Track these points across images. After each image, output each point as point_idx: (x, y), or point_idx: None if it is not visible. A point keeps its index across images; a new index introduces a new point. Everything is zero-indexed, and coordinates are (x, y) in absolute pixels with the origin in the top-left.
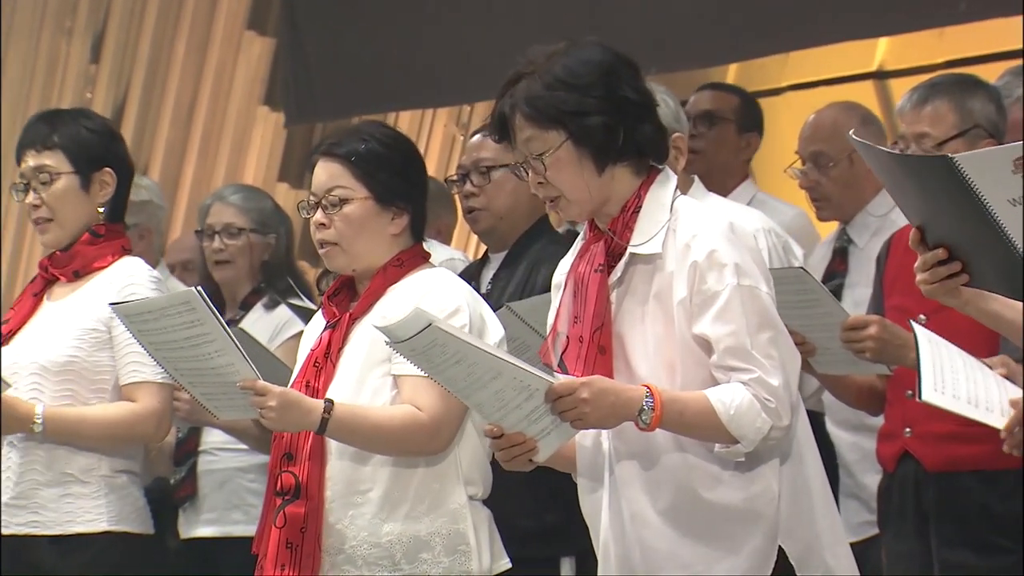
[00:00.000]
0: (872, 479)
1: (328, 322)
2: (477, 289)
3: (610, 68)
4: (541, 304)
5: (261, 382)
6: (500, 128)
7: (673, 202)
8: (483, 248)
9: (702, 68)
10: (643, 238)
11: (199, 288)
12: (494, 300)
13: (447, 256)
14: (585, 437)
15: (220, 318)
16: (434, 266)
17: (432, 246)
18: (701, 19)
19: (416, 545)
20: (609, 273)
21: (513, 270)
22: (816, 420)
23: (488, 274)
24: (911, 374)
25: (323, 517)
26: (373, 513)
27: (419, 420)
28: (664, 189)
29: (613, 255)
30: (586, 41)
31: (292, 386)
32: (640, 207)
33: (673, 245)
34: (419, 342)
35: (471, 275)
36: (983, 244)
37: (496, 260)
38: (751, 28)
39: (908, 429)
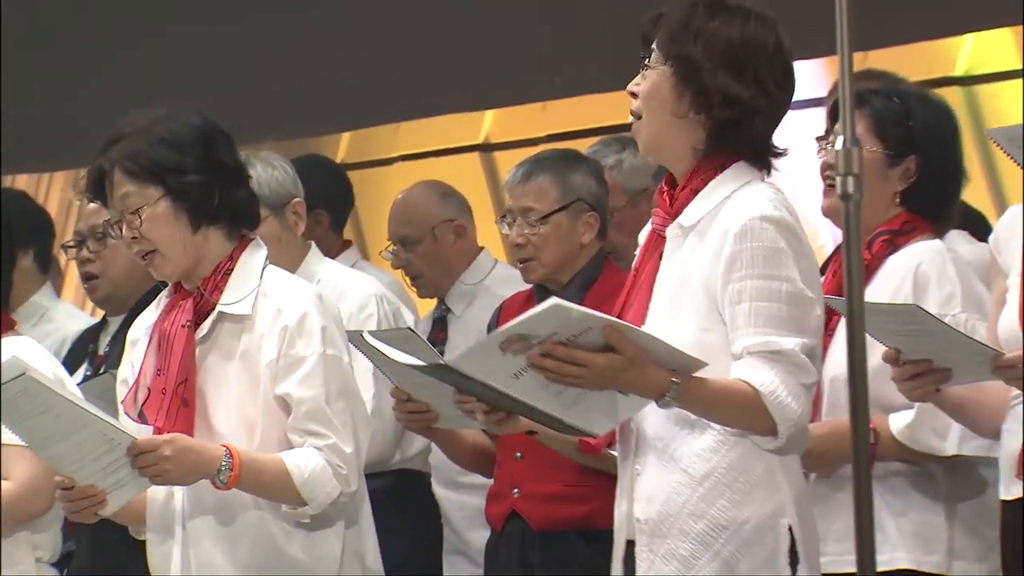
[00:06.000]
0: (476, 535)
1: None
2: (95, 352)
3: (209, 133)
4: None
5: None
6: (96, 185)
7: (263, 269)
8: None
9: (315, 137)
10: (233, 298)
11: None
12: (111, 362)
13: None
14: (158, 492)
15: None
16: (20, 334)
17: (71, 310)
18: (316, 91)
19: None
20: (196, 330)
21: None
22: (422, 480)
23: (107, 337)
24: (519, 437)
25: None
26: None
27: (8, 492)
28: (256, 256)
29: (201, 313)
30: (185, 108)
31: None
32: (232, 270)
33: (264, 308)
34: (10, 390)
35: (90, 338)
36: None
37: (115, 323)
38: (361, 100)
39: (516, 490)
